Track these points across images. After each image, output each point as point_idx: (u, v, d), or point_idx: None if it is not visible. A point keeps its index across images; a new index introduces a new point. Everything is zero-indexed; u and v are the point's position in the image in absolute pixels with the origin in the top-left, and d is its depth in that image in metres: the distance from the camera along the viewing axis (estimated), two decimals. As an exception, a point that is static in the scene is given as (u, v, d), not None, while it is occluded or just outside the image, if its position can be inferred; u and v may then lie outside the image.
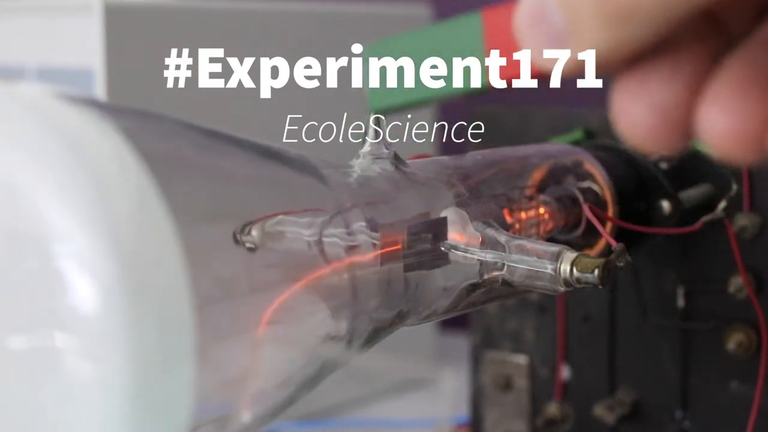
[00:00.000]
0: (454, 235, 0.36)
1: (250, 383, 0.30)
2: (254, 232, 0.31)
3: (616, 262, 0.36)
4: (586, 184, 0.43)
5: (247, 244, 0.31)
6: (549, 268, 0.36)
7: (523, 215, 0.40)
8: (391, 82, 0.28)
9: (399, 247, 0.35)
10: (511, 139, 0.49)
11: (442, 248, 0.36)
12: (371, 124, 0.37)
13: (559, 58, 0.24)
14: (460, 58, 0.27)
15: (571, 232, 0.42)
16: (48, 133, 0.27)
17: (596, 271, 0.35)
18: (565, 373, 0.50)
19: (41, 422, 0.27)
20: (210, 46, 0.55)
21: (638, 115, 0.24)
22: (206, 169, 0.31)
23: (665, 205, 0.44)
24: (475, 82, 0.27)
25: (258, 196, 0.32)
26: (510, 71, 0.26)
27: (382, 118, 0.37)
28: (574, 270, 0.35)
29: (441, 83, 0.27)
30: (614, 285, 0.48)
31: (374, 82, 0.29)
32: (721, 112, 0.24)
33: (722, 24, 0.25)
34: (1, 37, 0.56)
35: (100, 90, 0.51)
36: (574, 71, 0.25)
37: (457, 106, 0.79)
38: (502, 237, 0.36)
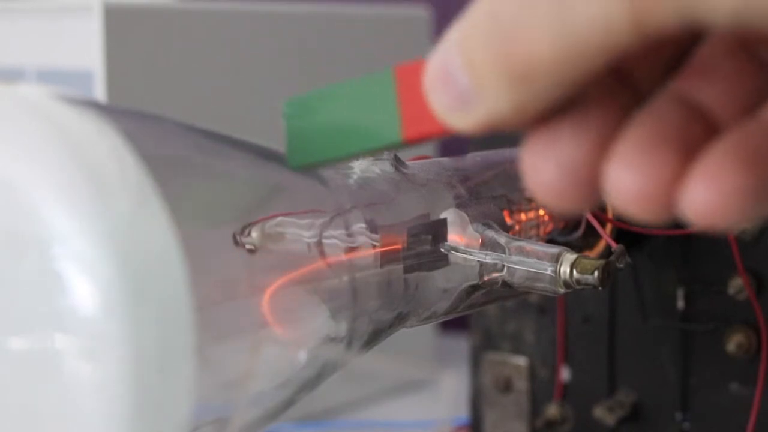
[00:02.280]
0: (454, 237, 0.36)
1: (250, 384, 0.30)
2: (254, 234, 0.31)
3: (615, 264, 0.36)
4: (585, 185, 0.42)
5: (247, 246, 0.31)
6: (549, 269, 0.36)
7: (523, 217, 0.40)
8: (309, 140, 0.28)
9: (399, 248, 0.35)
10: (511, 140, 0.49)
11: (442, 250, 0.36)
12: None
13: (466, 117, 0.24)
14: (374, 115, 0.27)
15: (571, 233, 0.42)
16: (48, 135, 0.27)
17: (596, 273, 0.35)
18: (564, 374, 0.49)
19: (41, 423, 0.27)
20: (210, 48, 0.55)
21: (547, 174, 0.24)
22: (206, 170, 0.32)
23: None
24: (390, 139, 0.27)
25: (258, 198, 0.32)
26: (423, 127, 0.26)
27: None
28: (574, 271, 0.35)
29: (357, 140, 0.27)
30: (614, 286, 0.48)
31: (293, 140, 0.29)
32: (627, 171, 0.23)
33: (630, 78, 0.25)
34: (0, 38, 0.56)
35: (99, 91, 0.51)
36: (483, 129, 0.24)
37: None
38: (501, 238, 0.36)
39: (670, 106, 0.24)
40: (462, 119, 0.24)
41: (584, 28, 0.22)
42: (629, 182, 0.23)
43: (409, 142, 0.26)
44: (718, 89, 0.24)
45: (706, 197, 0.22)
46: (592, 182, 0.24)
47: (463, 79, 0.24)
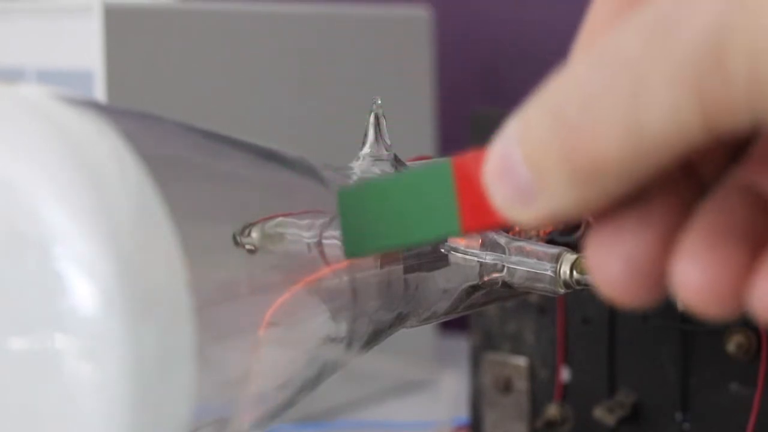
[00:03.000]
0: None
1: (250, 385, 0.30)
2: (254, 234, 0.31)
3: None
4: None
5: (247, 246, 0.31)
6: (549, 269, 0.36)
7: (522, 217, 0.40)
8: (365, 230, 0.28)
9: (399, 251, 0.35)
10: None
11: (442, 250, 0.36)
12: (371, 125, 0.37)
13: (527, 211, 0.24)
14: (431, 206, 0.27)
15: (571, 233, 0.42)
16: (48, 135, 0.27)
17: (596, 273, 0.35)
18: (564, 374, 0.49)
19: (41, 423, 0.27)
20: (210, 48, 0.55)
21: (613, 271, 0.23)
22: (206, 170, 0.32)
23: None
24: (449, 230, 0.27)
25: (258, 198, 0.32)
26: (483, 219, 0.26)
27: (382, 119, 0.37)
28: (574, 272, 0.35)
29: (414, 230, 0.27)
30: (614, 287, 0.48)
31: (348, 229, 0.29)
32: (694, 267, 0.22)
33: (693, 168, 0.24)
34: (0, 38, 0.56)
35: (99, 92, 0.51)
36: (545, 222, 0.24)
37: (457, 108, 0.79)
38: (501, 239, 0.36)
39: (735, 197, 0.23)
40: (523, 213, 0.24)
41: (654, 128, 0.21)
42: (696, 278, 0.22)
43: (469, 233, 0.26)
44: None
45: None
46: (658, 277, 0.23)
47: (525, 173, 0.23)
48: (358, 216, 0.29)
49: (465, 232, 0.26)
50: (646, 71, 0.21)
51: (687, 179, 0.24)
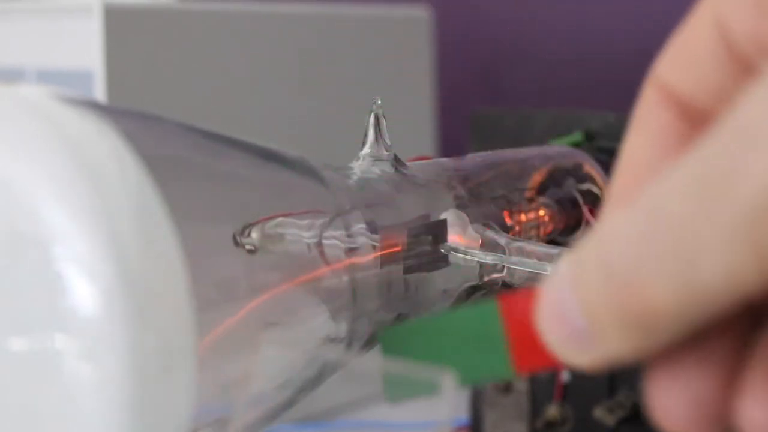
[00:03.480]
0: (454, 237, 0.36)
1: (250, 385, 0.30)
2: (254, 234, 0.31)
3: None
4: (586, 186, 0.43)
5: (247, 246, 0.31)
6: (549, 270, 0.36)
7: (523, 217, 0.40)
8: (409, 373, 0.28)
9: (399, 249, 0.35)
10: (512, 142, 0.49)
11: (442, 250, 0.36)
12: (371, 125, 0.37)
13: (583, 356, 0.23)
14: (479, 347, 0.26)
15: (572, 234, 0.42)
16: (48, 135, 0.27)
17: (596, 273, 0.35)
18: (564, 375, 0.49)
19: (41, 423, 0.27)
20: (210, 48, 0.55)
21: (677, 413, 0.23)
22: (206, 171, 0.31)
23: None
24: (501, 372, 0.26)
25: (258, 198, 0.32)
26: (536, 360, 0.25)
27: (382, 119, 0.37)
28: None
29: (462, 372, 0.27)
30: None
31: (390, 372, 0.29)
32: (760, 410, 0.22)
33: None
34: (0, 39, 0.56)
35: (99, 92, 0.51)
36: (601, 366, 0.23)
37: (457, 108, 0.79)
38: (502, 239, 0.36)
39: None
40: (579, 357, 0.23)
41: (710, 284, 0.21)
42: (762, 418, 0.22)
43: (521, 374, 0.26)
44: None
45: None
46: (723, 417, 0.23)
47: (580, 320, 0.23)
48: (401, 357, 0.28)
49: (518, 373, 0.26)
50: (700, 232, 0.21)
51: (742, 311, 0.23)
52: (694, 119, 0.25)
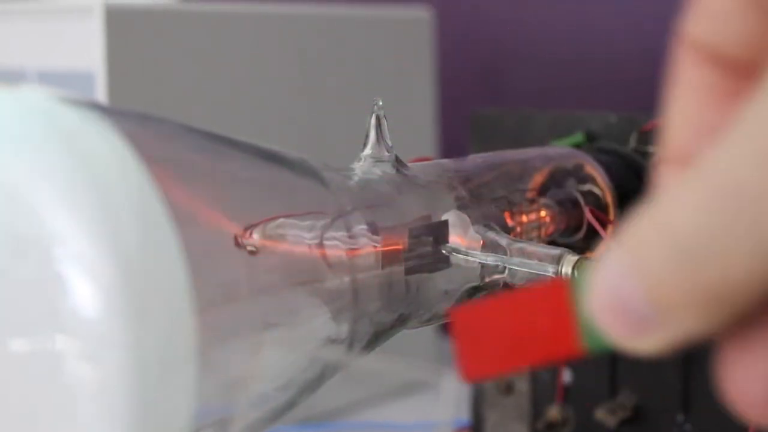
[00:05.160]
0: (455, 238, 0.36)
1: (251, 386, 0.30)
2: (255, 235, 0.31)
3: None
4: (587, 187, 0.43)
5: (249, 247, 0.31)
6: (550, 271, 0.36)
7: (524, 218, 0.40)
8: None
9: (400, 249, 0.35)
10: (512, 142, 0.49)
11: (443, 251, 0.36)
12: (372, 126, 0.37)
13: (647, 342, 0.23)
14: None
15: (573, 235, 0.42)
16: (49, 137, 0.27)
17: (597, 274, 0.35)
18: (566, 376, 0.49)
19: (41, 424, 0.27)
20: (211, 49, 0.55)
21: (753, 394, 0.22)
22: (207, 172, 0.31)
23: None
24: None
25: (259, 199, 0.32)
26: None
27: (383, 120, 0.37)
28: (576, 273, 0.35)
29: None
30: (615, 288, 0.48)
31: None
32: None
33: None
34: (1, 40, 0.56)
35: (100, 93, 0.51)
36: (671, 347, 0.23)
37: (457, 108, 0.79)
38: (503, 240, 0.36)
39: None
40: (644, 344, 0.23)
41: None
42: None
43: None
44: None
45: None
46: None
47: (645, 307, 0.22)
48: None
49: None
50: None
51: None
52: (737, 72, 0.24)
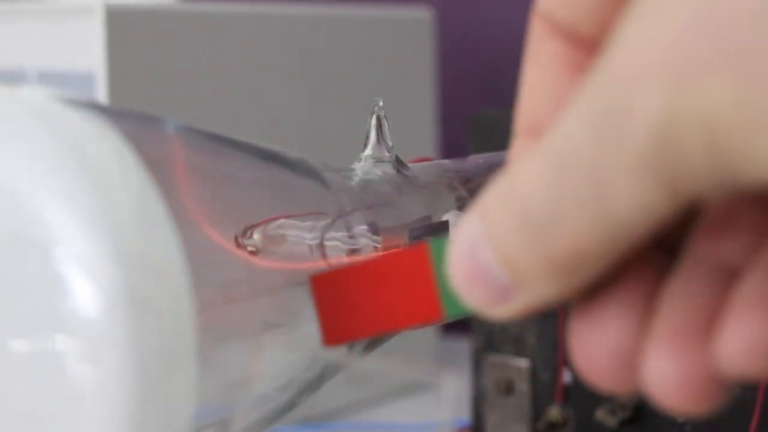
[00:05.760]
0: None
1: (252, 387, 0.30)
2: (256, 236, 0.31)
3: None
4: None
5: (249, 248, 0.31)
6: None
7: (524, 218, 0.40)
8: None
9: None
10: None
11: (444, 251, 0.36)
12: (373, 127, 0.37)
13: (507, 308, 0.23)
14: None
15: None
16: (49, 137, 0.27)
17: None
18: (566, 376, 0.49)
19: (42, 425, 0.27)
20: (211, 50, 0.55)
21: (597, 361, 0.23)
22: (208, 172, 0.31)
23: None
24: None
25: (260, 200, 0.32)
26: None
27: (384, 121, 0.37)
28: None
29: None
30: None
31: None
32: (664, 356, 0.22)
33: (659, 238, 0.24)
34: (1, 40, 0.56)
35: (101, 93, 0.51)
36: (524, 314, 0.24)
37: (458, 109, 0.79)
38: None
39: (698, 275, 0.23)
40: (502, 311, 0.23)
41: (624, 215, 0.21)
42: (664, 373, 0.22)
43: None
44: (734, 239, 0.23)
45: (736, 351, 0.22)
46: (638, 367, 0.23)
47: (500, 275, 0.23)
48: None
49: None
50: (608, 168, 0.21)
51: (655, 249, 0.24)
52: (584, 46, 0.25)
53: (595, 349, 0.23)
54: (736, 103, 0.20)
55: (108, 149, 0.28)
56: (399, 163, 0.37)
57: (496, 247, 0.23)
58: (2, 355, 0.27)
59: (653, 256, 0.24)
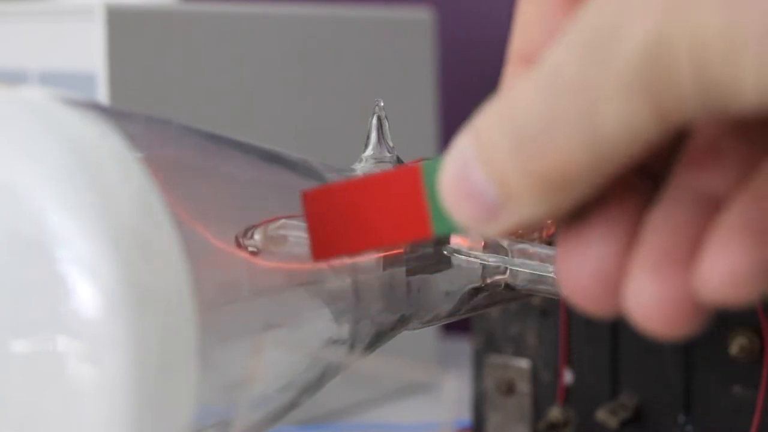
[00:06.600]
0: (456, 239, 0.36)
1: (253, 387, 0.30)
2: (257, 236, 0.31)
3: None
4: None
5: (250, 248, 0.31)
6: (552, 271, 0.36)
7: (525, 219, 0.40)
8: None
9: (401, 250, 0.35)
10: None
11: (445, 252, 0.36)
12: (374, 127, 0.37)
13: (496, 226, 0.24)
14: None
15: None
16: (50, 137, 0.27)
17: (599, 275, 0.35)
18: (567, 377, 0.49)
19: (43, 426, 0.27)
20: (213, 50, 0.55)
21: (582, 282, 0.24)
22: (208, 172, 0.31)
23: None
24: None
25: (260, 200, 0.32)
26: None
27: (385, 121, 0.37)
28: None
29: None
30: (617, 289, 0.48)
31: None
32: (646, 279, 0.23)
33: (645, 165, 0.25)
34: (2, 41, 0.56)
35: (102, 94, 0.51)
36: (513, 232, 0.24)
37: (459, 109, 0.79)
38: (504, 241, 0.36)
39: (682, 203, 0.23)
40: (492, 228, 0.24)
41: (613, 135, 0.22)
42: (647, 292, 0.23)
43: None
44: (719, 169, 0.24)
45: (717, 281, 0.22)
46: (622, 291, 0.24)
47: (490, 191, 0.23)
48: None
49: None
50: (598, 88, 0.22)
51: (642, 178, 0.25)
52: None
53: (580, 269, 0.24)
54: (725, 26, 0.20)
55: (109, 150, 0.28)
56: (400, 164, 0.37)
57: (487, 165, 0.23)
58: (2, 355, 0.27)
59: (640, 184, 0.24)
